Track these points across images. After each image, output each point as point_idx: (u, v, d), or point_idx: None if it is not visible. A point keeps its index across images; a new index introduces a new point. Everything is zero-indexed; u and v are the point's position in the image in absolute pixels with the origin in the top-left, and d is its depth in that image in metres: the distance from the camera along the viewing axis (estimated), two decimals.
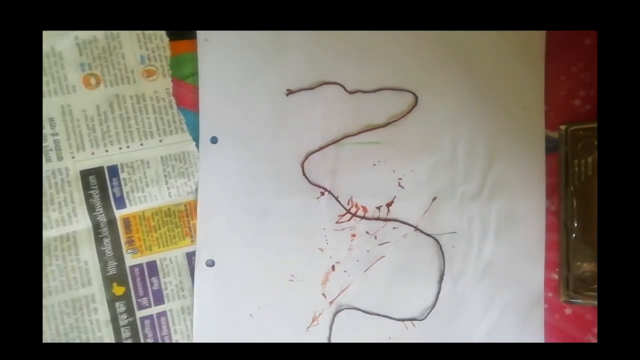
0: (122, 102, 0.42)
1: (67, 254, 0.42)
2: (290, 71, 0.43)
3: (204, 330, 0.44)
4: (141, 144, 0.43)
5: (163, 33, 0.43)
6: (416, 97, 0.42)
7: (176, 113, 0.43)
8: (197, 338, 0.44)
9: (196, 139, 0.44)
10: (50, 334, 0.41)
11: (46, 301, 0.41)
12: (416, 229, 0.43)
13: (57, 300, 0.41)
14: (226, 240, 0.44)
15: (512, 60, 0.42)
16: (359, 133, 0.43)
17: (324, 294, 0.43)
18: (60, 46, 0.41)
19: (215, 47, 0.43)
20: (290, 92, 0.43)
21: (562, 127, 0.42)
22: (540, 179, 0.41)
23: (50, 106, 0.41)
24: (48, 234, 0.41)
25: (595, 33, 0.40)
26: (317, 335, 0.43)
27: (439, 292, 0.43)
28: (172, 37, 0.43)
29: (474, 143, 0.42)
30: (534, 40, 0.42)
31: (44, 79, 0.41)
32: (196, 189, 0.43)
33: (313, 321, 0.43)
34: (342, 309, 0.43)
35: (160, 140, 0.43)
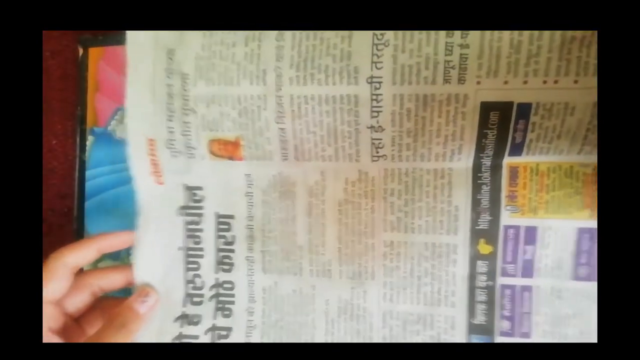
0: None
1: (438, 193, 0.35)
2: None
3: None
4: (555, 82, 0.31)
5: None
6: None
7: None
8: None
9: None
10: (404, 272, 0.37)
11: (408, 238, 0.36)
12: None
13: (418, 240, 0.36)
14: None
15: None
16: None
17: None
18: None
19: None
20: None
21: None
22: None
23: None
24: (424, 165, 0.35)
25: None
26: None
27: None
28: None
29: None
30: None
31: None
32: None
33: None
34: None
35: (575, 82, 0.31)
